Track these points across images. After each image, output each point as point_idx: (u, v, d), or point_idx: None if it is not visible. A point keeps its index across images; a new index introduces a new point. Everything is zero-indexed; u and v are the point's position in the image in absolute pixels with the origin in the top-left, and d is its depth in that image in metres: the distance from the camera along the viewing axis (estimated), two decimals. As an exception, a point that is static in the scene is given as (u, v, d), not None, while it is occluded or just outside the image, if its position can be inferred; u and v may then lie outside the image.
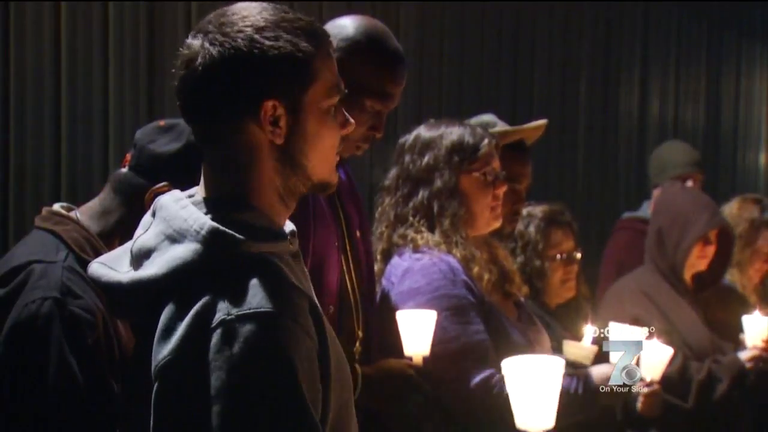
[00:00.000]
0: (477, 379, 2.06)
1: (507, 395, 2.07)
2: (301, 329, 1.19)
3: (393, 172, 2.30)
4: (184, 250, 1.21)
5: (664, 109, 5.75)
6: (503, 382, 2.08)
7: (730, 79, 6.16)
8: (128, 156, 1.73)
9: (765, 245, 3.47)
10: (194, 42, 1.26)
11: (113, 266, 1.30)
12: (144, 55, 3.47)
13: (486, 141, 2.23)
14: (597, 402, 2.22)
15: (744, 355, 2.99)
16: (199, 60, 1.24)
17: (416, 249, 2.16)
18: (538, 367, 1.54)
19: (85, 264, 1.62)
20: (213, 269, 1.20)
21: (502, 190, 2.25)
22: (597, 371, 2.25)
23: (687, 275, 3.12)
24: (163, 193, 1.39)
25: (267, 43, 1.23)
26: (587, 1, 5.23)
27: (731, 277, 3.43)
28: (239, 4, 1.29)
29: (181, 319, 1.17)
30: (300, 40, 1.26)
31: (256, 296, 1.17)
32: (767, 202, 3.56)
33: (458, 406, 2.09)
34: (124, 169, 1.73)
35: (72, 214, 1.71)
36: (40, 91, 3.23)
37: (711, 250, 3.14)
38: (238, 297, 1.17)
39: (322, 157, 1.32)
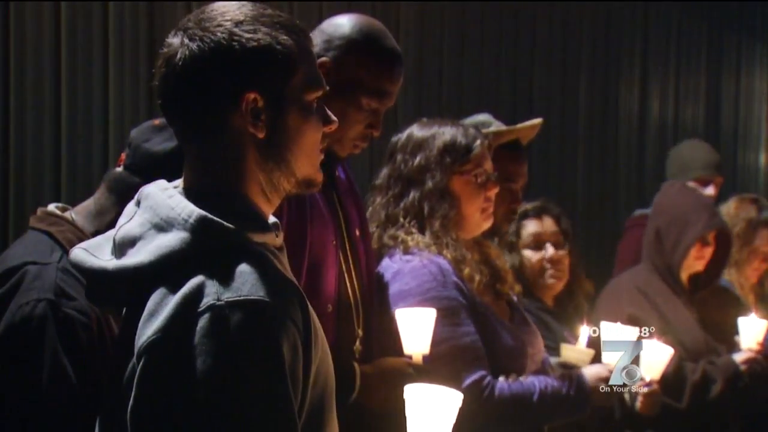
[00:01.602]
0: (468, 381, 2.06)
1: (498, 397, 2.09)
2: (290, 320, 1.19)
3: (384, 171, 2.29)
4: (172, 239, 1.20)
5: (664, 109, 5.75)
6: (495, 384, 2.10)
7: (730, 79, 6.15)
8: (123, 155, 1.74)
9: (762, 245, 3.46)
10: (174, 40, 1.27)
11: (95, 253, 1.28)
12: (144, 55, 3.47)
13: (478, 142, 2.22)
14: (589, 402, 2.23)
15: (738, 357, 2.99)
16: (179, 56, 1.24)
17: (407, 250, 2.15)
18: (436, 397, 1.55)
19: None
20: (202, 257, 1.19)
21: (493, 192, 2.24)
22: (589, 372, 2.26)
23: (684, 275, 3.13)
24: None
25: (246, 35, 1.24)
26: (587, 1, 5.23)
27: (729, 276, 3.43)
28: (218, 3, 1.30)
29: (168, 302, 1.17)
30: (279, 34, 1.27)
31: (246, 284, 1.17)
32: (765, 202, 3.56)
33: None
34: (119, 168, 1.73)
35: (67, 214, 1.71)
36: (40, 91, 3.24)
37: (708, 251, 3.15)
38: (228, 283, 1.16)
39: (306, 153, 1.32)
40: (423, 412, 1.53)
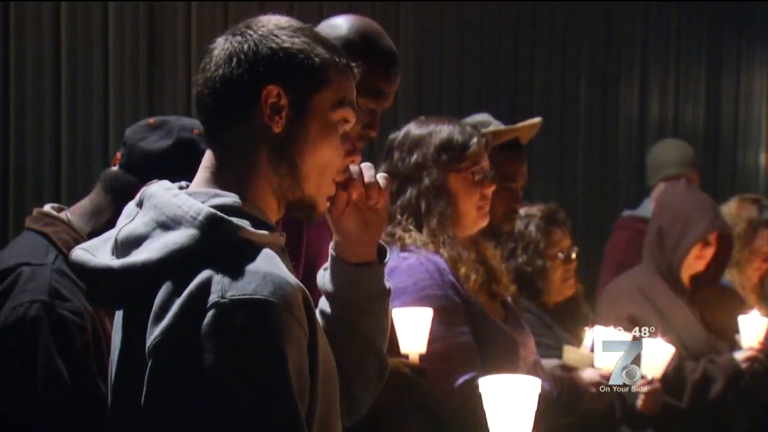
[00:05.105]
0: (460, 380, 2.06)
1: None
2: (295, 320, 1.19)
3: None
4: (180, 236, 1.21)
5: (664, 109, 5.74)
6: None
7: (730, 79, 6.14)
8: (118, 154, 1.74)
9: (763, 245, 3.46)
10: (219, 40, 1.32)
11: (95, 253, 1.28)
12: (144, 55, 3.47)
13: (475, 140, 2.22)
14: (579, 406, 2.24)
15: (739, 356, 2.99)
16: (218, 50, 1.30)
17: (404, 248, 2.15)
18: (514, 386, 1.54)
19: None
20: (209, 254, 1.20)
21: (490, 190, 2.24)
22: (580, 376, 2.28)
23: (685, 276, 3.12)
24: None
25: (284, 38, 1.29)
26: (587, 0, 5.24)
27: (730, 276, 3.42)
28: (270, 14, 1.36)
29: (176, 300, 1.17)
30: (317, 46, 1.31)
31: (251, 282, 1.17)
32: (766, 202, 3.56)
33: (441, 407, 2.09)
34: (115, 168, 1.73)
35: (62, 214, 1.70)
36: (40, 91, 3.24)
37: (710, 251, 3.14)
38: (233, 281, 1.17)
39: (318, 171, 1.32)
40: (502, 404, 1.51)
